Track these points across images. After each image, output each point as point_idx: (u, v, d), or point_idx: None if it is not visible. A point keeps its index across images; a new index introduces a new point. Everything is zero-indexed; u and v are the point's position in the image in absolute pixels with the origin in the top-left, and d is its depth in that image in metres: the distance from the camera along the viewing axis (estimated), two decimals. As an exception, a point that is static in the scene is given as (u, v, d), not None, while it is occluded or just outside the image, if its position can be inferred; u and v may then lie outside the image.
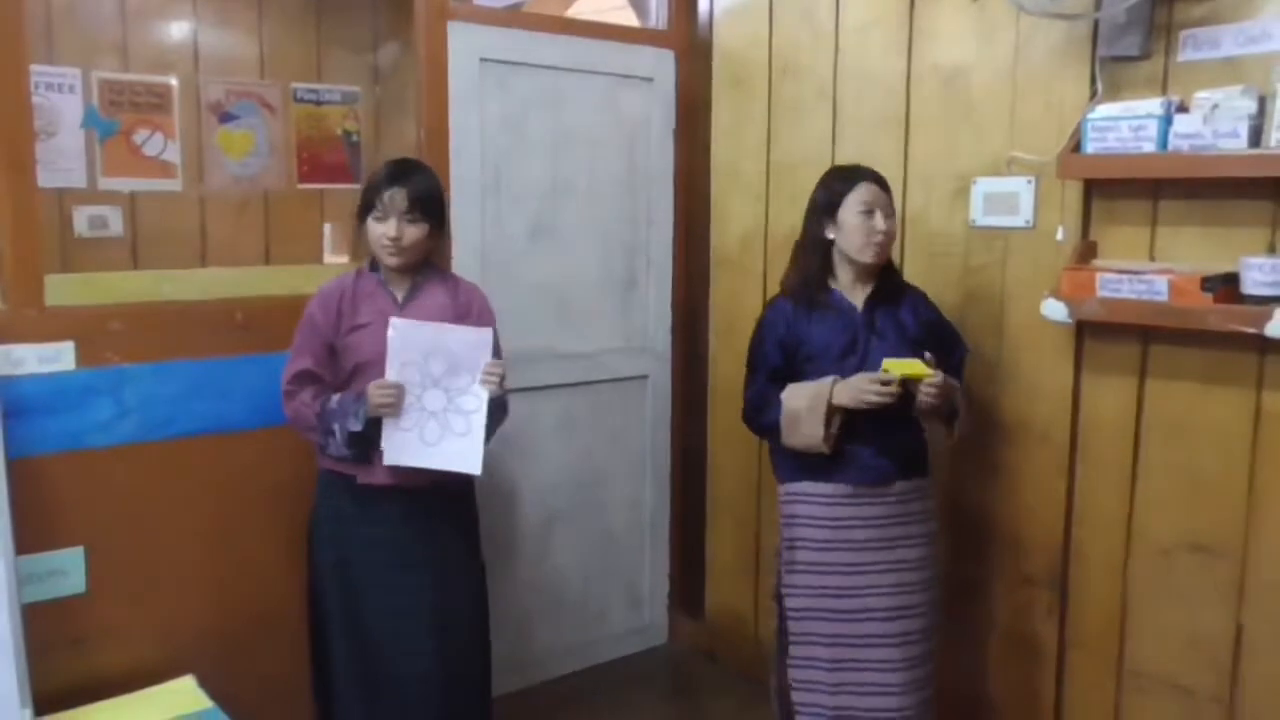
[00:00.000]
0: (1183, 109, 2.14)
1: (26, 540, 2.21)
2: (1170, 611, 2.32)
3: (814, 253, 2.34)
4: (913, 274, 2.65)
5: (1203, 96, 2.09)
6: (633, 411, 3.45)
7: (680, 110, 3.41)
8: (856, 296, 2.34)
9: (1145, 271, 2.16)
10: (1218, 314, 2.03)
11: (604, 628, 3.47)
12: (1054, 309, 2.28)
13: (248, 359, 2.56)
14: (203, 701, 2.29)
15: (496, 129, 3.03)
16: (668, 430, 3.53)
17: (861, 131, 2.87)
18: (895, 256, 2.63)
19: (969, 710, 2.70)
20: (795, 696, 2.34)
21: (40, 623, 2.22)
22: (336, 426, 2.24)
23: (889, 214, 2.31)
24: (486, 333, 2.25)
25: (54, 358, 2.31)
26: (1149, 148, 2.14)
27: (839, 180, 2.33)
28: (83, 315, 2.38)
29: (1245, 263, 2.03)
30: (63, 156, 3.48)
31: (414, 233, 2.28)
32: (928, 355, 2.22)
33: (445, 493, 2.34)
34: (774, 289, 2.51)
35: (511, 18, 3.32)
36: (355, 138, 4.17)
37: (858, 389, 2.20)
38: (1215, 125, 2.04)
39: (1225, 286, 2.05)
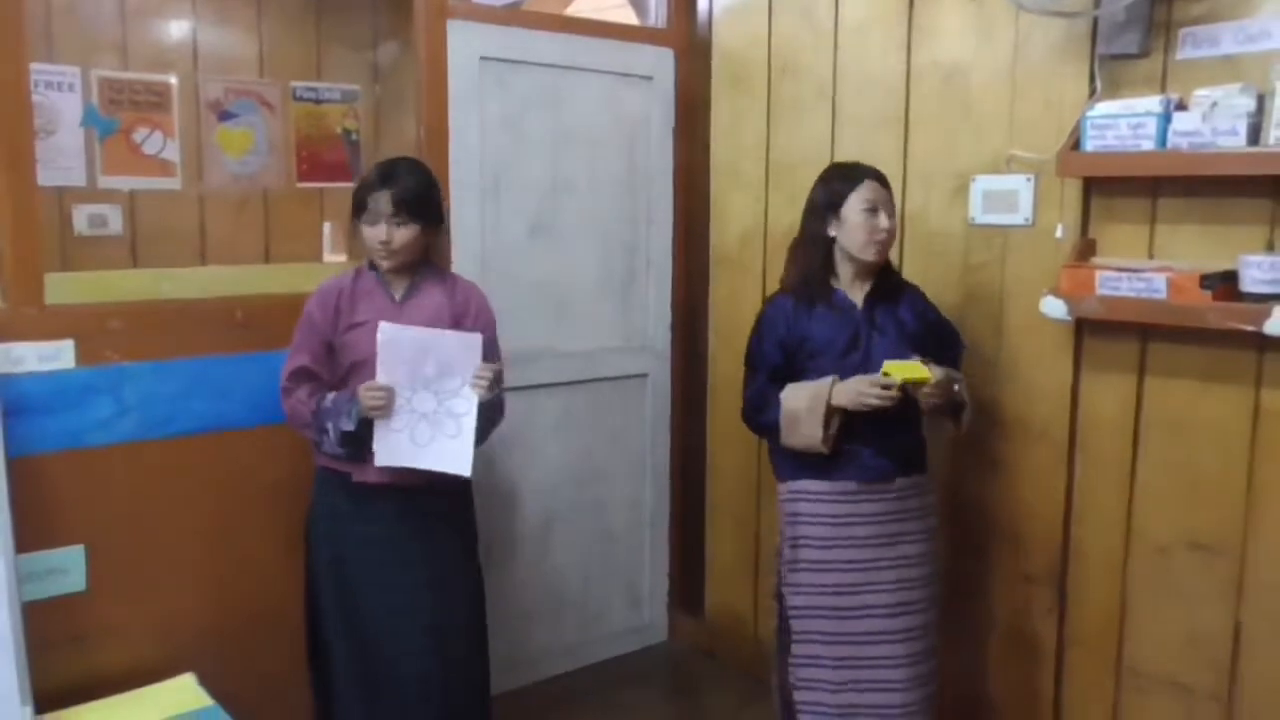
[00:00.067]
0: (1182, 107, 2.14)
1: (27, 538, 2.21)
2: (1169, 610, 2.32)
3: (816, 250, 2.34)
4: (912, 272, 2.66)
5: (1202, 94, 2.09)
6: (632, 410, 3.45)
7: (680, 109, 3.41)
8: (856, 294, 2.35)
9: (1144, 269, 2.17)
10: (1216, 312, 2.03)
11: (604, 626, 3.47)
12: (1053, 307, 2.28)
13: (247, 357, 2.56)
14: (203, 699, 2.29)
15: (496, 127, 3.03)
16: (667, 429, 3.53)
17: (861, 130, 2.87)
18: (895, 254, 2.63)
19: (969, 708, 2.70)
20: (798, 695, 2.33)
21: (40, 621, 2.22)
22: (330, 425, 2.24)
23: (891, 212, 2.32)
24: (476, 337, 2.24)
25: (54, 356, 2.31)
26: (1148, 146, 2.14)
27: (841, 178, 2.33)
28: (82, 314, 2.38)
29: (1244, 260, 2.03)
30: (62, 155, 3.49)
31: (403, 235, 2.28)
32: (915, 358, 2.23)
33: (441, 491, 2.34)
34: (773, 287, 2.52)
35: (511, 16, 3.32)
36: (355, 136, 4.17)
37: (857, 391, 2.20)
38: (1214, 123, 2.04)
39: (1224, 284, 2.05)
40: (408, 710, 2.36)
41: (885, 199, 2.31)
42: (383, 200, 2.26)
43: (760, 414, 2.35)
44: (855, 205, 2.28)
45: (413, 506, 2.33)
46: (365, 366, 2.25)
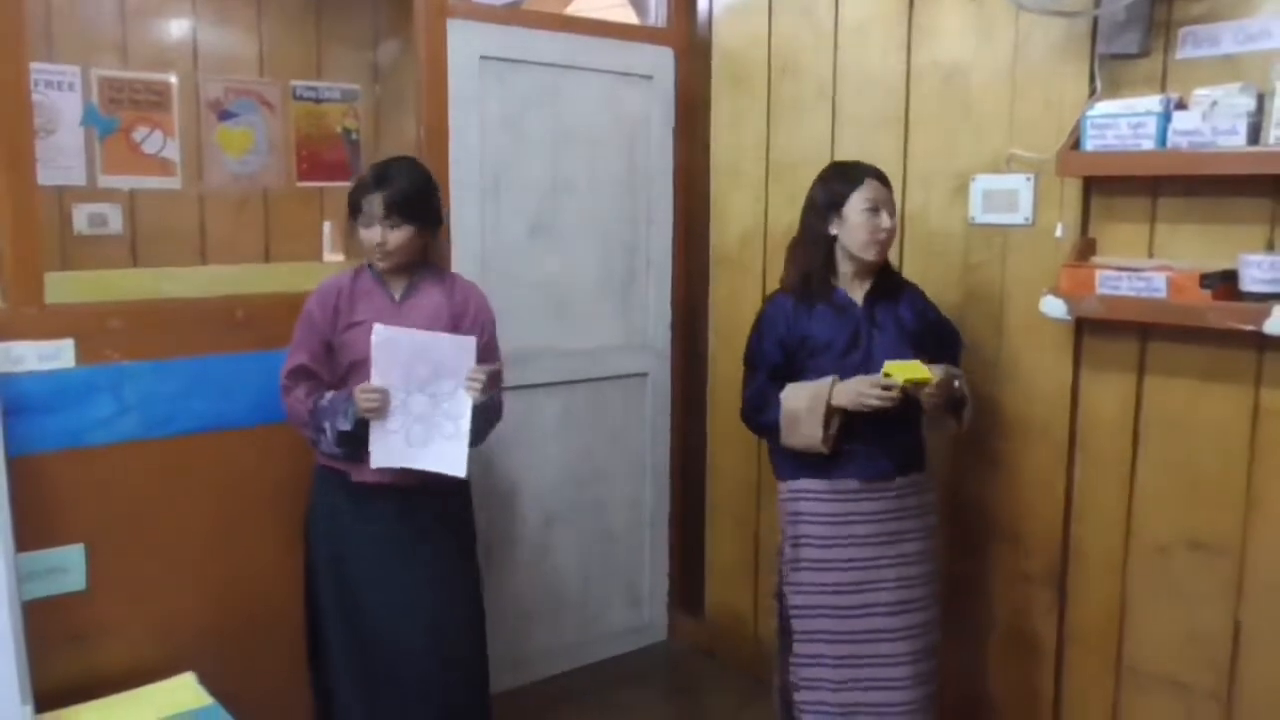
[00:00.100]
0: (1182, 106, 2.14)
1: (27, 538, 2.21)
2: (1169, 609, 2.33)
3: (817, 249, 2.33)
4: (912, 271, 2.66)
5: (1202, 94, 2.09)
6: (632, 409, 3.46)
7: (680, 108, 3.41)
8: (856, 293, 2.35)
9: (1144, 269, 2.17)
10: (1216, 311, 2.03)
11: (603, 625, 3.47)
12: (1053, 306, 2.28)
13: (247, 356, 2.57)
14: (203, 699, 2.29)
15: (496, 127, 3.03)
16: (667, 428, 3.53)
17: (861, 130, 2.87)
18: (895, 254, 2.64)
19: (968, 707, 2.70)
20: (801, 695, 2.33)
21: (40, 620, 2.22)
22: (327, 425, 2.25)
23: (891, 211, 2.32)
24: (470, 340, 2.24)
25: (54, 355, 2.31)
26: (1148, 145, 2.14)
27: (842, 178, 2.33)
28: (82, 313, 2.38)
29: (1244, 260, 2.03)
30: (62, 154, 3.49)
31: (398, 237, 2.28)
32: (915, 358, 2.23)
33: (439, 490, 2.34)
34: (773, 287, 2.52)
35: (511, 15, 3.32)
36: (355, 135, 4.17)
37: (857, 392, 2.20)
38: (1214, 122, 2.04)
39: (1224, 284, 2.05)
40: (407, 709, 2.36)
41: (886, 198, 2.31)
42: (376, 202, 2.26)
43: (760, 414, 2.35)
44: (857, 205, 2.28)
45: (411, 506, 2.34)
46: (364, 366, 2.25)
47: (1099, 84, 2.31)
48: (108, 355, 2.38)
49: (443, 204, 2.43)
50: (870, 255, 2.30)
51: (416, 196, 2.30)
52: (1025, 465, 2.56)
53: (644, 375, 3.46)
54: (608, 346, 3.37)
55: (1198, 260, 2.16)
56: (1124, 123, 2.17)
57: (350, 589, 2.35)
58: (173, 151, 3.72)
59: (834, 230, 2.31)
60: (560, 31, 3.18)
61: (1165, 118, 2.12)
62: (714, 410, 3.44)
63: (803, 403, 2.25)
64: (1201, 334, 2.15)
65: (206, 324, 2.54)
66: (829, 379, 2.24)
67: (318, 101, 4.08)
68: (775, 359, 2.34)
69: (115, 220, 3.70)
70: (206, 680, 2.36)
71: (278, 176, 4.01)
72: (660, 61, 3.37)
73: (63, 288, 2.43)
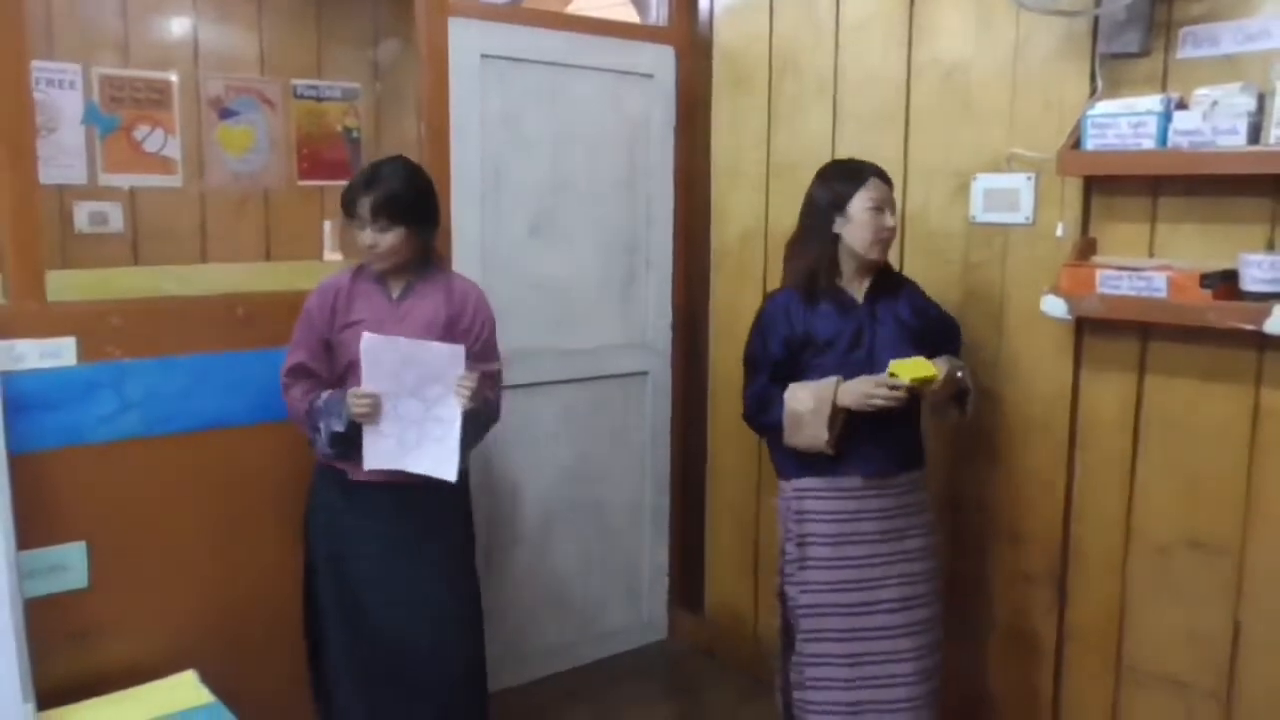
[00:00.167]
0: (1182, 106, 2.14)
1: (28, 535, 2.21)
2: (1168, 608, 2.33)
3: (823, 248, 2.33)
4: (913, 270, 2.66)
5: (1202, 93, 2.09)
6: (633, 408, 3.46)
7: (680, 107, 3.41)
8: (857, 291, 2.35)
9: (1144, 268, 2.17)
10: (1217, 311, 2.04)
11: (603, 624, 3.47)
12: (1053, 305, 2.28)
13: (249, 355, 2.57)
14: (204, 696, 2.30)
15: (497, 125, 3.03)
16: (668, 427, 3.54)
17: (862, 128, 2.87)
18: (895, 253, 2.64)
19: (968, 706, 2.71)
20: (810, 695, 2.32)
21: (42, 618, 2.23)
22: (322, 425, 2.26)
23: (893, 210, 2.33)
24: (458, 348, 2.23)
25: (55, 353, 2.32)
26: (1148, 144, 2.14)
27: (846, 177, 2.33)
28: (84, 310, 2.38)
29: (1244, 259, 2.03)
30: (63, 152, 3.49)
31: (389, 239, 2.27)
32: (918, 355, 2.23)
33: (436, 488, 2.33)
34: (774, 286, 2.52)
35: (512, 13, 3.32)
36: (355, 134, 4.17)
37: (862, 393, 2.20)
38: (1214, 122, 2.04)
39: (1224, 283, 2.05)
40: (406, 707, 2.37)
41: (889, 197, 2.32)
42: (365, 206, 2.26)
43: (763, 414, 2.35)
44: (861, 204, 2.28)
45: (409, 504, 2.34)
46: (360, 366, 2.26)
47: (1099, 83, 2.31)
48: (109, 353, 2.39)
49: (440, 203, 2.42)
50: (874, 254, 2.30)
51: (407, 198, 2.28)
52: (1025, 464, 2.56)
53: (644, 374, 3.47)
54: (608, 346, 3.37)
55: (1198, 260, 2.16)
56: (1124, 122, 2.17)
57: (349, 587, 2.36)
58: (173, 150, 3.72)
59: (837, 229, 2.31)
60: (561, 30, 3.18)
61: (1166, 117, 2.12)
62: (714, 409, 3.44)
63: (807, 404, 2.25)
64: (1202, 334, 2.15)
65: (207, 322, 2.54)
66: (833, 379, 2.24)
67: (318, 100, 4.08)
68: (778, 357, 2.33)
69: (116, 218, 3.70)
70: (208, 678, 2.36)
71: (278, 175, 4.01)
72: (661, 60, 3.37)
73: (64, 286, 2.43)
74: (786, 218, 2.52)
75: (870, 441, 2.28)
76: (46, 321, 2.31)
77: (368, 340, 2.20)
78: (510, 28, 3.05)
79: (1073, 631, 2.52)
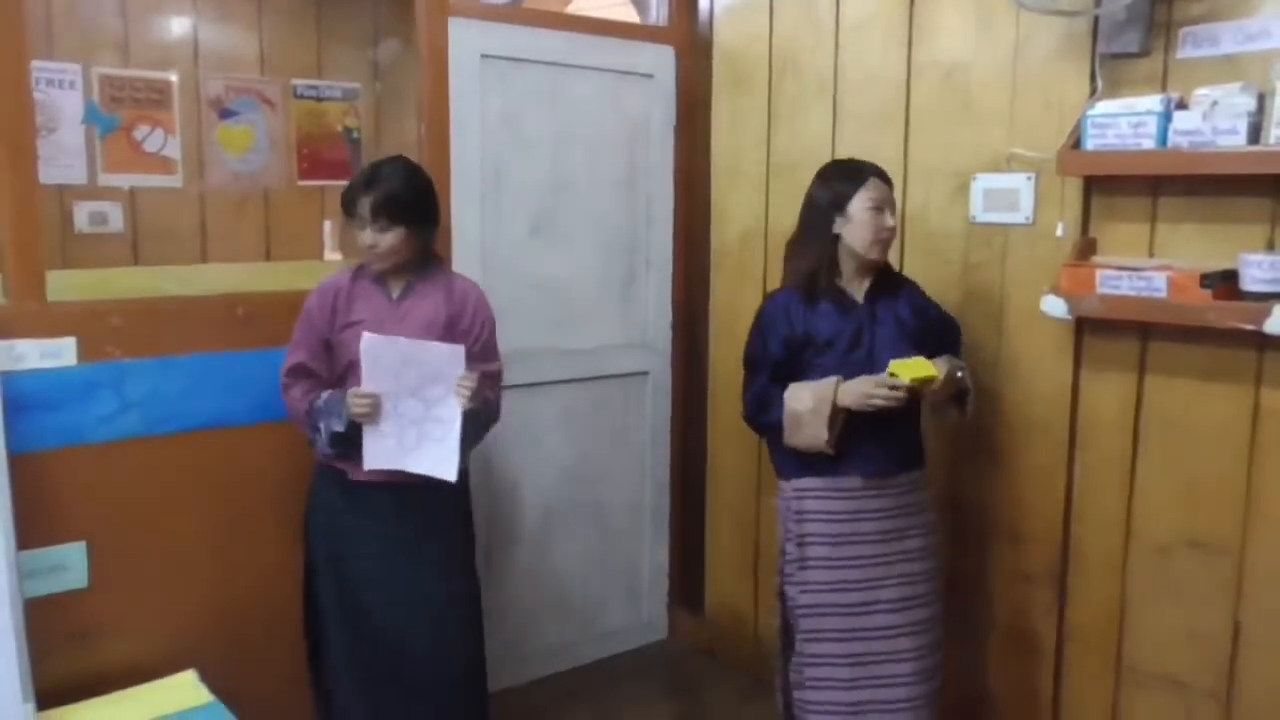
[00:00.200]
0: (1182, 106, 2.14)
1: (29, 535, 2.21)
2: (1168, 608, 2.33)
3: (824, 247, 2.32)
4: (913, 270, 2.66)
5: (1202, 93, 2.09)
6: (633, 408, 3.46)
7: (680, 107, 3.42)
8: (857, 291, 2.35)
9: (1144, 268, 2.17)
10: (1217, 311, 2.04)
11: (604, 624, 3.48)
12: (1054, 305, 2.29)
13: (249, 354, 2.57)
14: (204, 696, 2.30)
15: (497, 125, 3.03)
16: (668, 426, 3.54)
17: (862, 128, 2.87)
18: (895, 253, 2.64)
19: (968, 705, 2.71)
20: (810, 695, 2.32)
21: (42, 618, 2.23)
22: (322, 425, 2.26)
23: (893, 210, 2.33)
24: (458, 348, 2.22)
25: (56, 353, 2.32)
26: (1148, 144, 2.14)
27: (846, 177, 2.33)
28: (84, 310, 2.38)
29: (1244, 259, 2.03)
30: (63, 152, 3.48)
31: (388, 239, 2.27)
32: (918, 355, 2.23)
33: (436, 488, 2.33)
34: (774, 286, 2.52)
35: (512, 13, 3.32)
36: (356, 134, 4.17)
37: (862, 393, 2.20)
38: (1214, 122, 2.04)
39: (1224, 283, 2.05)
40: (406, 707, 2.37)
41: (889, 197, 2.32)
42: (364, 206, 2.26)
43: (763, 414, 2.35)
44: (861, 204, 2.28)
45: (409, 503, 2.34)
46: (360, 366, 2.26)
47: (1099, 83, 2.31)
48: (109, 353, 2.39)
49: (440, 203, 2.42)
50: (875, 254, 2.30)
51: (407, 198, 2.28)
52: (1025, 464, 2.56)
53: (644, 374, 3.47)
54: (608, 345, 3.37)
55: (1198, 260, 2.16)
56: (1124, 122, 2.17)
57: (349, 588, 2.36)
58: (173, 150, 3.72)
59: (838, 229, 2.31)
60: (561, 30, 3.18)
61: (1166, 117, 2.12)
62: (714, 409, 3.44)
63: (807, 404, 2.25)
64: (1202, 334, 2.15)
65: (208, 322, 2.54)
66: (833, 379, 2.24)
67: (319, 100, 4.08)
68: (778, 357, 2.33)
69: (116, 218, 3.70)
70: (208, 678, 2.37)
71: (278, 175, 4.01)
72: (661, 60, 3.37)
73: (64, 286, 2.43)
74: (786, 218, 2.52)
75: (870, 441, 2.28)
76: (47, 321, 2.31)
77: (368, 340, 2.20)
78: (510, 28, 3.05)
79: (1073, 631, 2.52)
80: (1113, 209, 2.36)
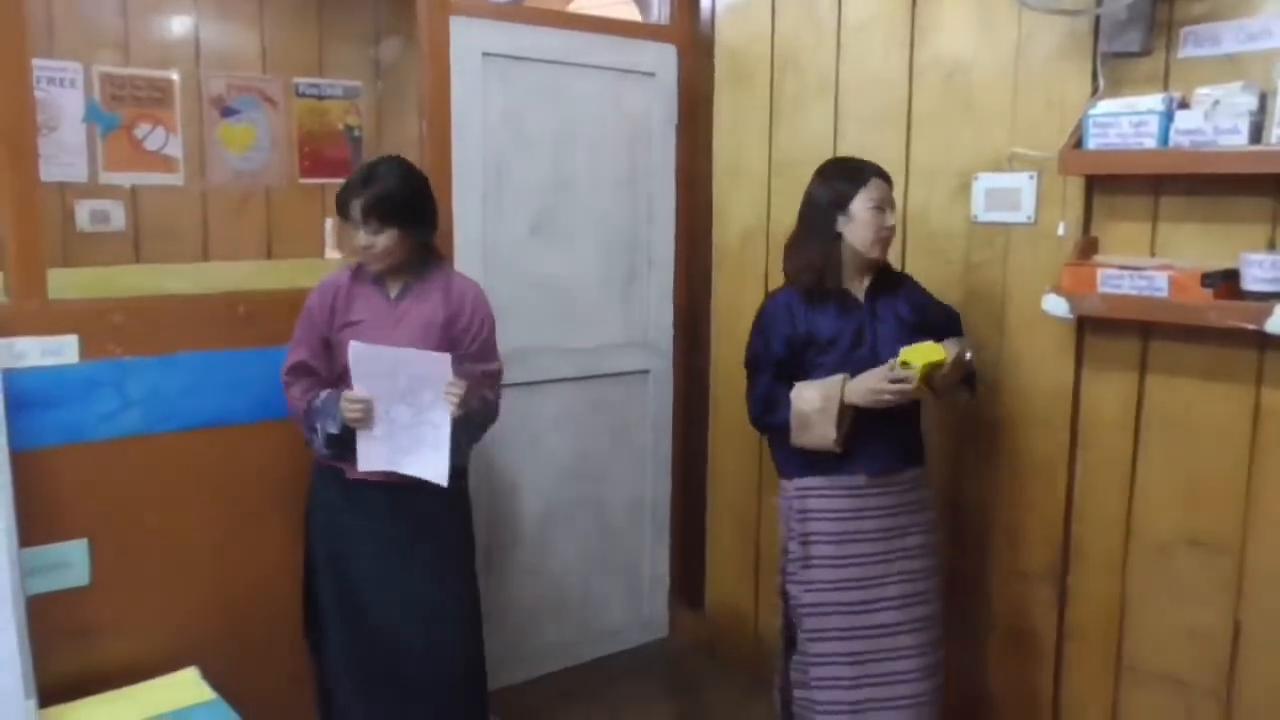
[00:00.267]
0: (1184, 105, 2.14)
1: (30, 533, 2.22)
2: (1169, 607, 2.33)
3: (827, 246, 2.32)
4: (914, 269, 2.66)
5: (1204, 93, 2.09)
6: (634, 406, 3.46)
7: (682, 106, 3.41)
8: (858, 289, 2.35)
9: (1146, 267, 2.17)
10: (1218, 310, 2.04)
11: (604, 622, 3.48)
12: (1055, 304, 2.29)
13: (250, 353, 2.57)
14: (206, 693, 2.30)
15: (498, 124, 3.03)
16: (669, 425, 3.54)
17: (863, 127, 2.87)
18: (896, 252, 2.64)
19: (968, 704, 2.71)
20: (815, 694, 2.32)
21: (44, 615, 2.23)
22: (318, 426, 2.26)
23: (893, 208, 2.33)
24: (444, 356, 2.22)
25: (57, 351, 2.32)
26: (1150, 144, 2.14)
27: (847, 176, 2.33)
28: (85, 308, 2.38)
29: (1245, 259, 2.03)
30: (64, 151, 3.49)
31: (382, 241, 2.27)
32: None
33: (433, 490, 2.33)
34: (775, 285, 2.52)
35: (514, 12, 3.32)
36: (357, 132, 4.18)
37: (869, 389, 2.20)
38: (1216, 121, 2.04)
39: (1225, 283, 2.05)
40: (406, 704, 2.37)
41: (889, 196, 2.32)
42: (356, 208, 2.25)
43: (769, 415, 2.34)
44: (863, 203, 2.28)
45: (407, 502, 2.34)
46: None
47: (1101, 82, 2.31)
48: (110, 351, 2.39)
49: (436, 204, 2.41)
50: (875, 253, 2.30)
51: (399, 200, 2.27)
52: (1026, 463, 2.56)
53: (645, 373, 3.47)
54: (609, 344, 3.37)
55: (1199, 259, 2.16)
56: (1126, 121, 2.17)
57: (349, 587, 2.36)
58: (175, 148, 3.72)
59: (839, 228, 2.31)
60: (563, 28, 3.18)
61: (1167, 117, 2.12)
62: (715, 408, 3.44)
63: (814, 403, 2.24)
64: (1203, 333, 2.16)
65: (209, 320, 2.54)
66: (839, 377, 2.24)
67: (320, 98, 4.08)
68: (781, 356, 2.33)
69: (117, 217, 3.70)
70: (209, 675, 2.37)
71: (280, 173, 4.02)
72: (663, 59, 3.37)
73: (65, 284, 2.44)
74: (788, 217, 2.52)
75: (875, 439, 2.28)
76: (48, 319, 2.31)
77: (355, 349, 2.21)
78: (512, 26, 3.05)
79: (1073, 630, 2.52)
80: (1114, 208, 2.36)
